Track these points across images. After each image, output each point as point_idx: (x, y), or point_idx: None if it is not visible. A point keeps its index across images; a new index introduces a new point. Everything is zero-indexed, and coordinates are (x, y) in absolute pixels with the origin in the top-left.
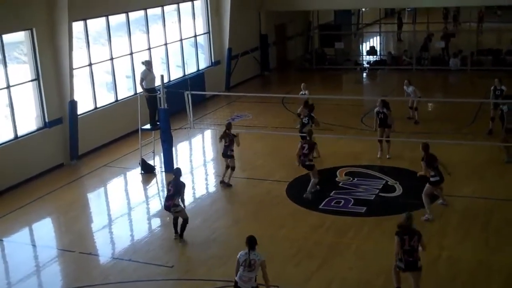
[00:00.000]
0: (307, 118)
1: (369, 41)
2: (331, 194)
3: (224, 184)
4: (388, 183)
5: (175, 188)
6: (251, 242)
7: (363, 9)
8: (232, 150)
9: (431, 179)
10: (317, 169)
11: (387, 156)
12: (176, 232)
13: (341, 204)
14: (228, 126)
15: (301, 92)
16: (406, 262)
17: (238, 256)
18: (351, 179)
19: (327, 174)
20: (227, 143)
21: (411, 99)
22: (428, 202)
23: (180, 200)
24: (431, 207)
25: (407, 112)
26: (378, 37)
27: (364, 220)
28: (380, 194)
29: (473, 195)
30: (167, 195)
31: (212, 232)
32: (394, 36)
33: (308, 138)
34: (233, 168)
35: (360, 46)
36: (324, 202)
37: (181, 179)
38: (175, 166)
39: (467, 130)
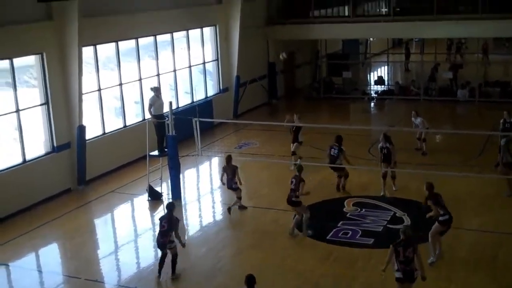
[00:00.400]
0: (336, 150)
1: (377, 71)
2: (338, 225)
3: (241, 207)
4: (396, 214)
5: (169, 223)
6: (250, 282)
7: (371, 39)
8: (236, 183)
9: (440, 218)
10: (306, 205)
11: (394, 189)
12: (160, 273)
13: (348, 235)
14: (228, 159)
15: (287, 120)
16: (403, 271)
17: None
18: (359, 209)
19: (335, 205)
20: (230, 175)
21: (419, 130)
22: (435, 243)
23: (174, 236)
24: (437, 249)
25: (415, 143)
26: (386, 67)
27: (371, 251)
28: (388, 225)
29: (480, 228)
30: (160, 231)
31: (218, 260)
32: (402, 66)
33: (297, 174)
34: (239, 198)
35: (368, 75)
36: (331, 233)
37: (183, 208)
38: (182, 193)
39: (475, 162)
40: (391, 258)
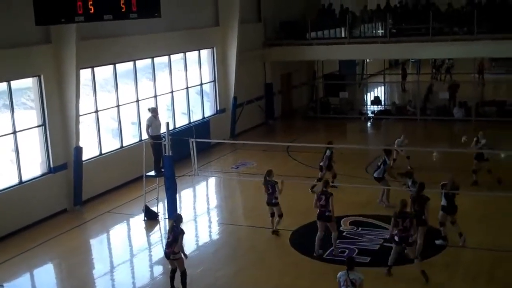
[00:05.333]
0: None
1: (374, 91)
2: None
3: (275, 233)
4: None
5: (174, 235)
6: (350, 263)
7: (368, 60)
8: (276, 198)
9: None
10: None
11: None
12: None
13: (345, 254)
14: (269, 173)
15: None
16: (399, 237)
17: (337, 277)
18: (356, 228)
19: None
20: (270, 190)
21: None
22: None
23: (178, 247)
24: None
25: (412, 161)
26: (383, 87)
27: (368, 270)
28: (385, 244)
29: (479, 246)
30: (167, 242)
31: (215, 280)
32: (399, 86)
33: (325, 189)
34: (280, 216)
35: (365, 96)
36: (328, 252)
37: (182, 226)
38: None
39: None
40: (392, 229)
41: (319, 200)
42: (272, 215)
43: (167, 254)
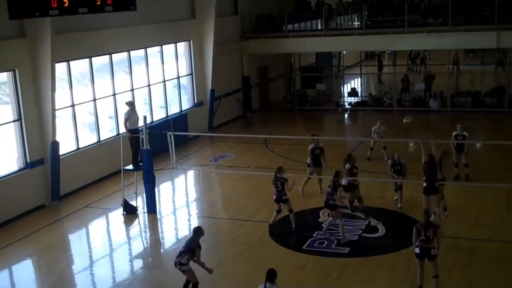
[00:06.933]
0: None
1: (350, 83)
2: (314, 235)
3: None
4: (371, 223)
5: (187, 246)
6: (271, 275)
7: (344, 52)
8: (286, 195)
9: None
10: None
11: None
12: None
13: (324, 245)
14: (279, 170)
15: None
16: (421, 248)
17: None
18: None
19: (310, 215)
20: (279, 187)
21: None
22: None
23: (187, 259)
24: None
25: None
26: (359, 79)
27: (347, 261)
28: (363, 234)
29: (455, 235)
30: (179, 250)
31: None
32: (375, 78)
33: (335, 178)
34: (291, 211)
35: (342, 87)
36: (307, 243)
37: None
38: (157, 207)
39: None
40: (416, 239)
41: (328, 187)
42: (279, 212)
43: (175, 263)
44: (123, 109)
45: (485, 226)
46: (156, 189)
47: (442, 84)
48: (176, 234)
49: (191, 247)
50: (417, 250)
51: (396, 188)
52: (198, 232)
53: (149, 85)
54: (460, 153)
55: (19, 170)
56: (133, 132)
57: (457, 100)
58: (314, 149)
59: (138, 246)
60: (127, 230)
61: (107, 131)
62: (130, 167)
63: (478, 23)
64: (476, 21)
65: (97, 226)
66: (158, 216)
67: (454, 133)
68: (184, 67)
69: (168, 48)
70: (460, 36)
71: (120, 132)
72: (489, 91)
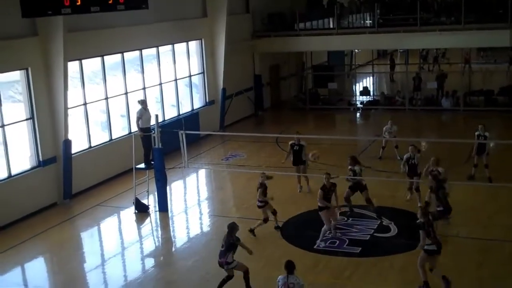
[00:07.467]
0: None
1: (362, 82)
2: (325, 234)
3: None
4: (383, 223)
5: (227, 244)
6: (290, 267)
7: (356, 51)
8: (260, 201)
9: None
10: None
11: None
12: None
13: (335, 245)
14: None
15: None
16: (437, 244)
17: (277, 280)
18: (346, 219)
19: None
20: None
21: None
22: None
23: (232, 256)
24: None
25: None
26: (371, 78)
27: (359, 260)
28: (375, 234)
29: (468, 235)
30: (220, 251)
31: (206, 272)
32: (387, 76)
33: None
34: (275, 212)
35: (353, 86)
36: (318, 242)
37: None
38: (169, 205)
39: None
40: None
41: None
42: (274, 213)
43: (220, 264)
44: (135, 108)
45: (499, 226)
46: (167, 187)
47: (455, 83)
48: (188, 232)
49: (231, 243)
50: (429, 248)
51: (411, 187)
52: (233, 228)
53: (160, 84)
54: (481, 154)
55: (31, 169)
56: (145, 131)
57: (470, 99)
58: (293, 144)
59: (150, 244)
60: (139, 229)
61: (119, 130)
62: (142, 165)
63: (490, 22)
64: (488, 19)
65: (108, 225)
66: (170, 215)
67: (477, 133)
68: (195, 66)
69: (180, 47)
70: (472, 34)
71: (132, 131)
72: (501, 89)
